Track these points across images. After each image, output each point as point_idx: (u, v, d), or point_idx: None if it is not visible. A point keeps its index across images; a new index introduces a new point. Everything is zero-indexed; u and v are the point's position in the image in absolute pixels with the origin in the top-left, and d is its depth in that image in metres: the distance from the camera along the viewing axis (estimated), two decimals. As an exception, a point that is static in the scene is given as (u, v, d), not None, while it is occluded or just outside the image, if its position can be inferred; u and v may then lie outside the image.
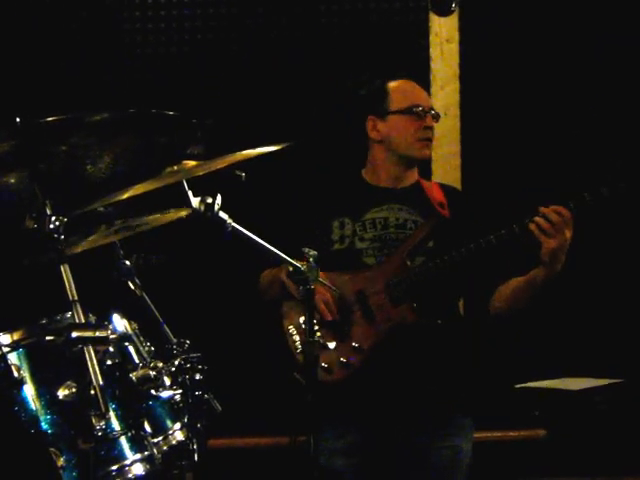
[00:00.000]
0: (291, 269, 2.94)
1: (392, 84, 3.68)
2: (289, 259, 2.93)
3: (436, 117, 3.67)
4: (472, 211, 3.68)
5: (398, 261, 3.51)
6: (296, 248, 2.93)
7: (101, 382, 2.38)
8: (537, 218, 3.33)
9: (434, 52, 4.74)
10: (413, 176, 3.71)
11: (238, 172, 2.98)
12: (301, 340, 3.50)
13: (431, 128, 3.64)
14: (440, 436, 3.54)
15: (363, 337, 3.43)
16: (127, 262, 3.10)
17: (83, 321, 2.44)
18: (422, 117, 3.62)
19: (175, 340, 2.99)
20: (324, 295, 3.45)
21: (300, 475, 3.63)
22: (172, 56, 4.80)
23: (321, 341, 2.98)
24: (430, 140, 3.65)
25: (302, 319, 3.51)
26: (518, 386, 4.41)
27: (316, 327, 3.49)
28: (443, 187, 3.76)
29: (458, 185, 4.71)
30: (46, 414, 2.61)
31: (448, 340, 3.57)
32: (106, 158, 2.79)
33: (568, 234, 3.33)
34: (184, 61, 4.80)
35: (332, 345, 3.46)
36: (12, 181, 2.73)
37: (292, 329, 3.55)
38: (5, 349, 2.63)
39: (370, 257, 3.59)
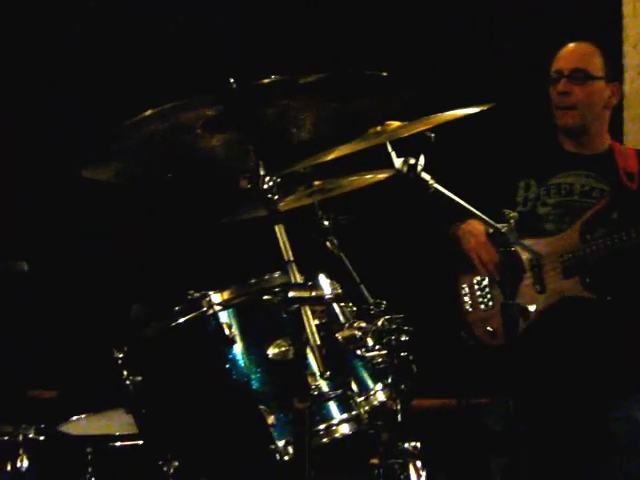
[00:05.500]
0: (491, 231, 2.93)
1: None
2: (490, 221, 2.91)
3: (579, 79, 3.50)
4: None
5: (576, 232, 3.45)
6: (483, 206, 2.89)
7: (318, 342, 2.41)
8: None
9: (626, 9, 4.60)
10: (602, 141, 3.60)
11: (428, 133, 2.96)
12: (472, 300, 3.48)
13: (566, 93, 3.52)
14: (613, 407, 3.48)
15: (530, 303, 3.29)
16: (325, 222, 3.12)
17: (299, 281, 2.47)
18: (557, 82, 3.53)
19: (372, 300, 2.99)
20: (484, 254, 3.42)
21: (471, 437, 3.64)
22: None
23: (521, 304, 2.91)
24: (567, 108, 3.53)
25: (476, 279, 3.50)
26: None
27: (487, 287, 3.49)
28: None
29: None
30: (256, 372, 2.64)
31: (618, 319, 3.49)
32: (309, 122, 2.79)
33: None
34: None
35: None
36: (217, 144, 2.76)
37: (465, 287, 3.53)
38: (217, 307, 2.67)
39: (550, 223, 3.54)
